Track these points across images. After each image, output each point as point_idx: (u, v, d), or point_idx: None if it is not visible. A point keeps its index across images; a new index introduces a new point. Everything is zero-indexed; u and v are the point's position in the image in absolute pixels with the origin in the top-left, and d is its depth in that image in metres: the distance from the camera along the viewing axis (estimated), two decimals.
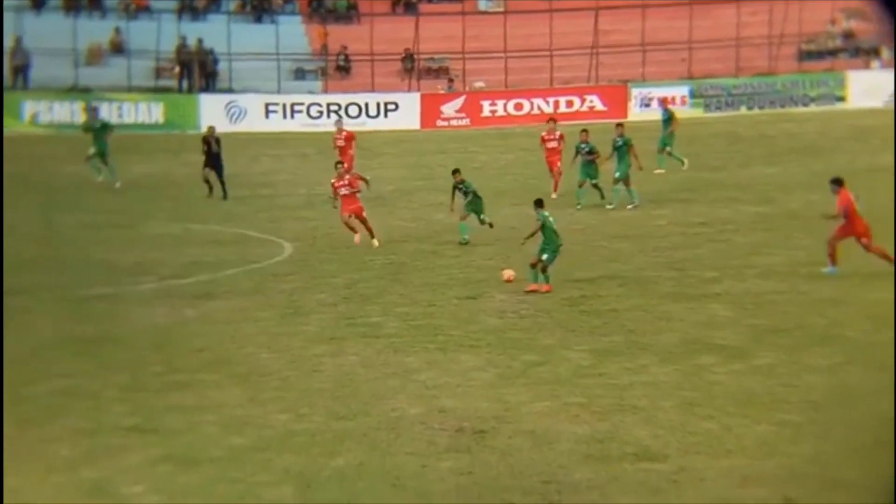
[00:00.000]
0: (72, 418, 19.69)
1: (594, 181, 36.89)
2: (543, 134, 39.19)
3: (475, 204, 32.23)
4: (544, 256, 26.37)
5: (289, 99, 52.89)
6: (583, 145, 36.28)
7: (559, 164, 38.44)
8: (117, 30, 54.71)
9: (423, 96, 56.21)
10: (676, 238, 33.51)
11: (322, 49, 58.63)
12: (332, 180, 31.68)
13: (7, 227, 32.92)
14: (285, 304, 26.12)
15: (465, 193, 32.01)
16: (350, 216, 31.18)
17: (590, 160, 36.40)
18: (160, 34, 52.61)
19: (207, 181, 37.49)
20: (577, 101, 59.13)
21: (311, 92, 54.38)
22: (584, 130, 36.70)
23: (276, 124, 52.24)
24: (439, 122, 55.96)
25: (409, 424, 19.39)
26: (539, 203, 27.18)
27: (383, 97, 53.93)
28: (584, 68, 63.73)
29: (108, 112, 48.99)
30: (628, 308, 25.81)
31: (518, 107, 58.20)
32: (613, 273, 29.02)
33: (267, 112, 52.21)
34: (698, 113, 60.85)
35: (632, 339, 23.44)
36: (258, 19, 58.93)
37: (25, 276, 28.64)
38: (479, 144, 50.62)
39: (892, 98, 57.56)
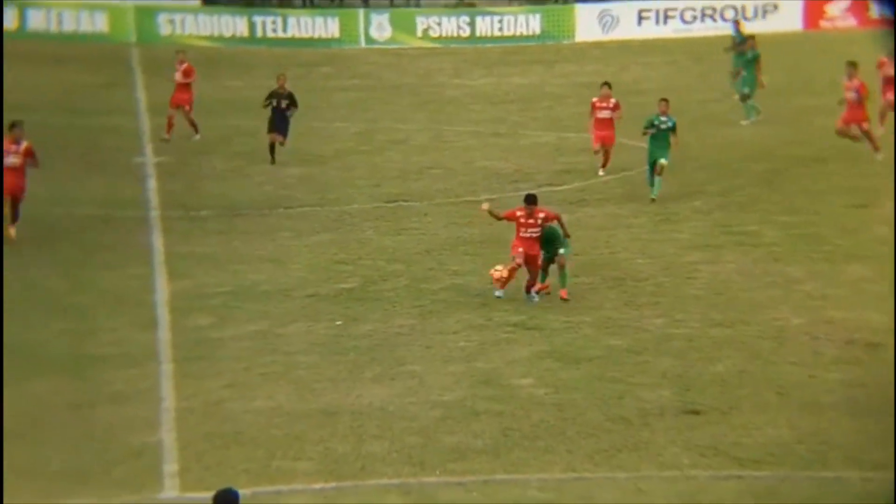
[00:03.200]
0: (465, 313, 20.56)
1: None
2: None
3: None
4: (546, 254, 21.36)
5: (662, 5, 52.40)
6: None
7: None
8: None
9: None
10: None
11: None
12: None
13: (402, 138, 34.21)
14: (658, 211, 26.19)
15: None
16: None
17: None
18: None
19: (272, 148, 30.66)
20: None
21: None
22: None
23: (649, 31, 51.90)
24: (823, 24, 54.02)
25: (792, 334, 19.28)
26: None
27: None
28: None
29: (489, 25, 50.26)
30: None
31: None
32: None
33: (640, 19, 51.95)
34: None
35: None
36: None
37: (420, 182, 29.76)
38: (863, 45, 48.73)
39: None
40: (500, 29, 51.19)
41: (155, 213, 26.69)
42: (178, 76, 32.94)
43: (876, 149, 29.78)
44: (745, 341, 19.16)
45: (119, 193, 28.11)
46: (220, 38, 49.21)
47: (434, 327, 20.11)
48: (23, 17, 48.74)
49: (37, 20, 48.90)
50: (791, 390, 17.35)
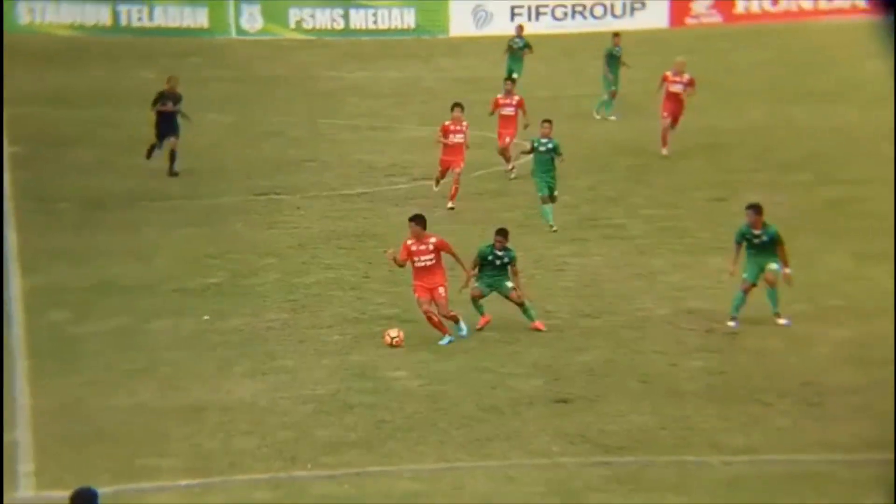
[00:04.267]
0: (339, 307, 20.63)
1: None
2: (668, 73, 31.34)
3: None
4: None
5: (534, 2, 52.94)
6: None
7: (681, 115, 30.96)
8: None
9: None
10: None
11: None
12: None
13: (276, 131, 34.08)
14: (529, 205, 26.53)
15: None
16: None
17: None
18: None
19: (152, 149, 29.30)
20: None
21: None
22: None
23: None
24: (689, 21, 54.91)
25: (656, 324, 19.67)
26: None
27: None
28: None
29: (363, 18, 50.16)
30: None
31: (775, 1, 56.11)
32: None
33: (512, 15, 52.40)
34: None
35: None
36: None
37: (294, 176, 29.73)
38: (731, 41, 49.62)
39: None
40: (375, 22, 51.26)
41: (8, 206, 26.21)
42: None
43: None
44: (611, 331, 19.47)
45: None
46: (82, 27, 48.43)
47: (307, 321, 20.03)
48: None
49: None
50: (655, 378, 17.70)
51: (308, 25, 50.47)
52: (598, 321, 19.99)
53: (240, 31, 49.62)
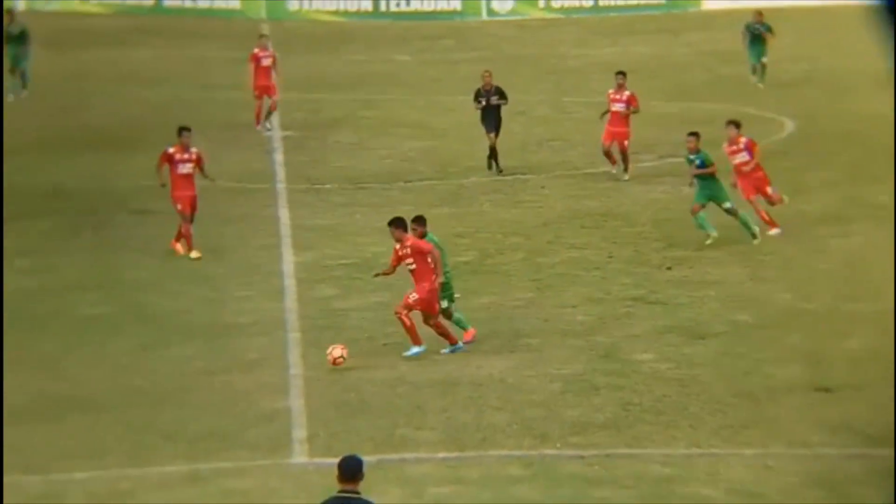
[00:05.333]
0: (582, 287, 21.16)
1: None
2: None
3: None
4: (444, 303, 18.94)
5: None
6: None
7: None
8: None
9: None
10: None
11: None
12: None
13: (522, 110, 34.55)
14: (786, 182, 26.25)
15: None
16: None
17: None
18: None
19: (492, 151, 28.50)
20: None
21: None
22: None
23: None
24: None
25: None
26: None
27: None
28: None
29: None
30: None
31: None
32: None
33: None
34: None
35: None
36: None
37: (538, 155, 30.27)
38: None
39: None
40: None
41: (282, 186, 27.68)
42: (267, 62, 31.93)
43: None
44: (876, 317, 18.63)
45: (251, 166, 29.14)
46: (345, 13, 50.13)
47: (552, 300, 20.53)
48: None
49: None
50: None
51: (557, 4, 50.84)
52: (862, 306, 19.46)
53: (490, 12, 50.41)
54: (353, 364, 18.16)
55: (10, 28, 33.80)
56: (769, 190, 23.65)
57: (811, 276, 21.12)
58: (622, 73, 28.04)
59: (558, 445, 15.54)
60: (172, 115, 33.27)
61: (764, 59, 36.47)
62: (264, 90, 31.85)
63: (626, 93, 27.52)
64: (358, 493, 10.58)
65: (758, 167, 23.62)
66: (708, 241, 22.71)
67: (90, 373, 17.91)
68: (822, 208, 24.81)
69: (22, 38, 33.99)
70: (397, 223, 18.49)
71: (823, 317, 19.21)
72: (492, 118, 28.30)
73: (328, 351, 17.89)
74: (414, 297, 18.26)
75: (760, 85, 36.27)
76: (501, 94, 28.43)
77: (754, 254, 22.52)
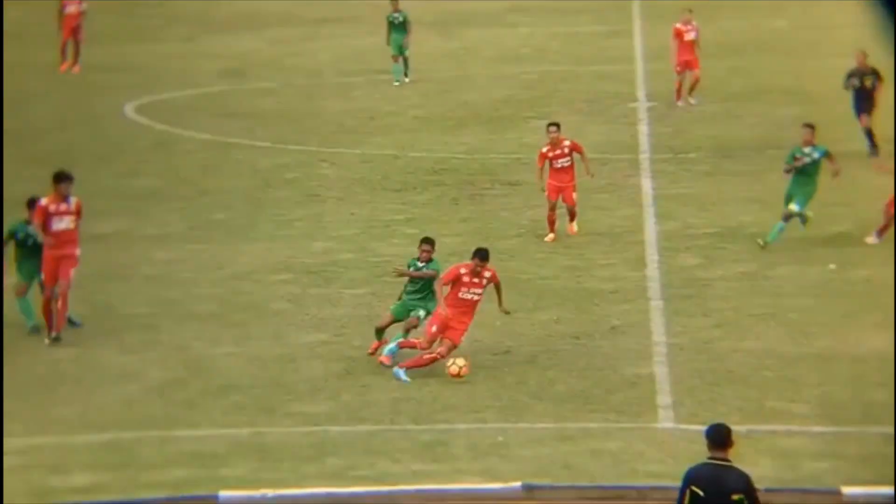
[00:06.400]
0: None
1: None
2: (679, 25, 31.79)
3: None
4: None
5: None
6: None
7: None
8: None
9: None
10: None
11: None
12: None
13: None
14: None
15: None
16: None
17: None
18: None
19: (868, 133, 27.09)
20: None
21: None
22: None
23: None
24: None
25: None
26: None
27: None
28: None
29: None
30: None
31: None
32: None
33: None
34: None
35: None
36: None
37: None
38: None
39: None
40: None
41: (645, 157, 27.81)
42: (691, 35, 31.85)
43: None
44: None
45: (615, 137, 29.42)
46: None
47: None
48: None
49: None
50: None
51: None
52: None
53: None
54: (717, 335, 18.11)
55: (394, 16, 35.11)
56: None
57: None
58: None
59: None
60: (540, 90, 34.03)
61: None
62: (686, 65, 31.83)
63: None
64: (728, 460, 10.65)
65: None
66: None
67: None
68: None
69: (404, 25, 35.17)
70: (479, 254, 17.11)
71: None
72: (864, 101, 27.14)
73: (450, 363, 16.82)
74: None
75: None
76: (877, 75, 27.12)
77: None
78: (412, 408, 16.28)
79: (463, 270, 17.00)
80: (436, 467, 14.65)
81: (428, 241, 17.84)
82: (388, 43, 34.91)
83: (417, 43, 35.86)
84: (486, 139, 29.79)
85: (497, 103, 32.99)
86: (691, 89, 31.85)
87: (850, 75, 27.40)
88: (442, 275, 17.20)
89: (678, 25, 32.06)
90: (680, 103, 31.80)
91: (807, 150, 21.08)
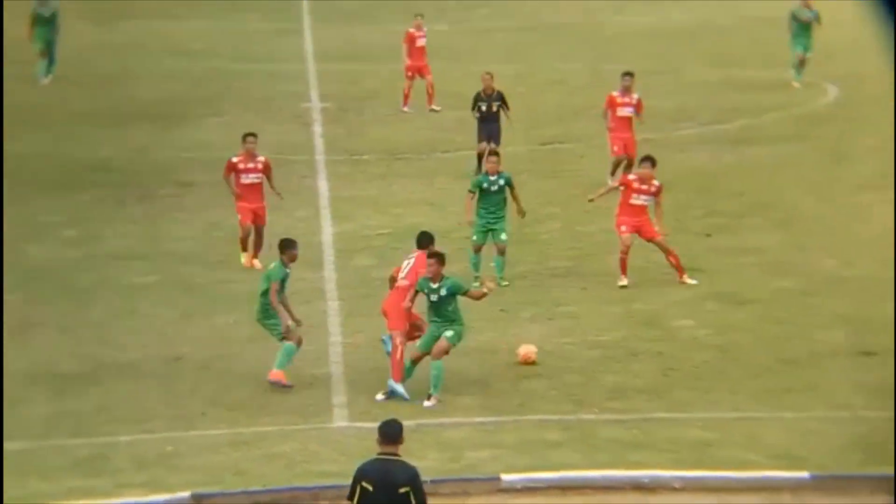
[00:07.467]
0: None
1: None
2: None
3: None
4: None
5: None
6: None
7: None
8: None
9: None
10: None
11: None
12: None
13: (560, 79, 34.17)
14: (830, 149, 26.05)
15: None
16: None
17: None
18: None
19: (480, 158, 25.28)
20: None
21: None
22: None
23: None
24: None
25: None
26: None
27: None
28: None
29: None
30: None
31: None
32: None
33: None
34: None
35: None
36: None
37: (576, 124, 30.17)
38: None
39: None
40: None
41: (320, 158, 27.79)
42: (422, 41, 31.54)
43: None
44: None
45: (290, 137, 29.28)
46: None
47: (590, 269, 20.58)
48: None
49: None
50: None
51: None
52: None
53: None
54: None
55: (41, 10, 33.17)
56: None
57: (854, 242, 21.01)
58: (629, 74, 24.43)
59: (596, 410, 15.61)
60: (212, 87, 33.59)
61: (808, 54, 32.02)
62: (418, 70, 31.64)
63: (635, 96, 24.33)
64: (398, 455, 10.76)
65: None
66: None
67: (135, 339, 18.02)
68: (865, 175, 24.68)
69: (53, 19, 33.27)
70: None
71: (866, 283, 19.11)
72: (490, 127, 25.65)
73: (522, 351, 17.06)
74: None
75: (796, 84, 32.12)
76: (503, 101, 25.83)
77: (795, 221, 22.46)
78: (70, 422, 15.72)
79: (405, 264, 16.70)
80: (95, 482, 14.08)
81: (435, 256, 15.99)
82: (33, 39, 32.96)
83: (72, 36, 34.62)
84: (156, 137, 29.10)
85: (167, 100, 32.29)
86: (430, 98, 31.60)
87: (478, 100, 25.89)
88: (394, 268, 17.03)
89: (411, 30, 31.91)
90: (406, 108, 31.63)
91: (493, 178, 20.76)
